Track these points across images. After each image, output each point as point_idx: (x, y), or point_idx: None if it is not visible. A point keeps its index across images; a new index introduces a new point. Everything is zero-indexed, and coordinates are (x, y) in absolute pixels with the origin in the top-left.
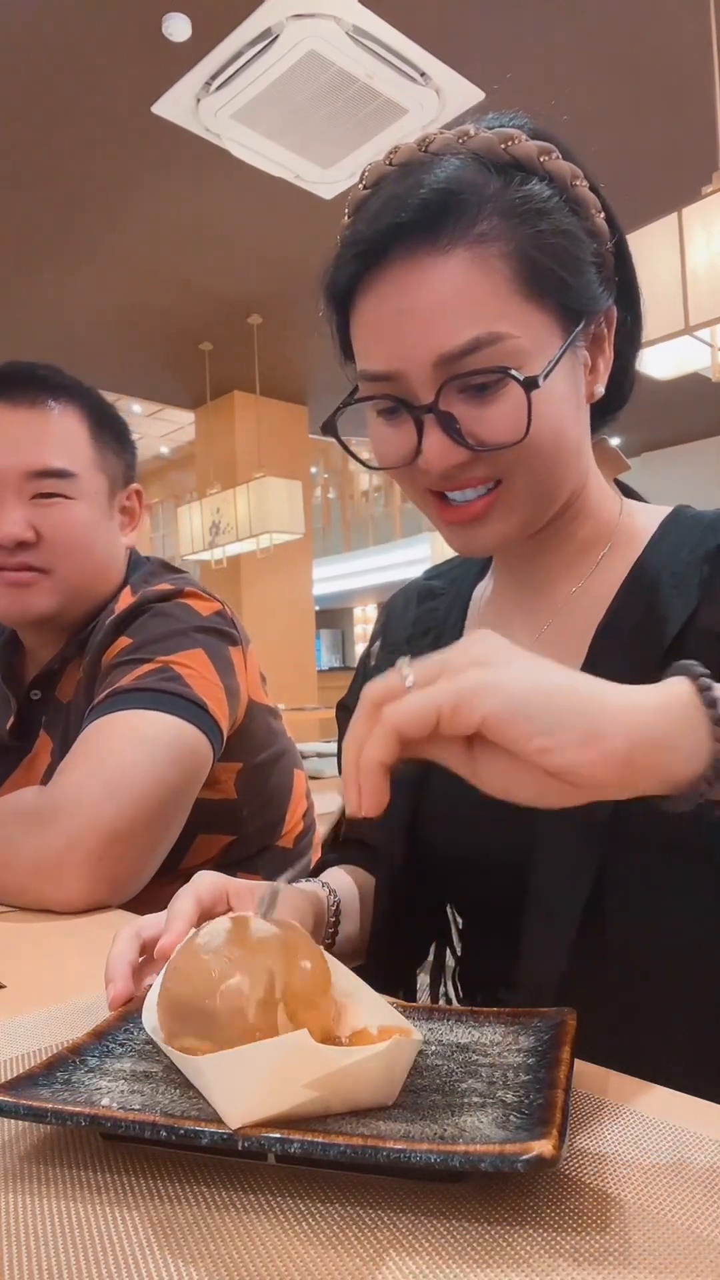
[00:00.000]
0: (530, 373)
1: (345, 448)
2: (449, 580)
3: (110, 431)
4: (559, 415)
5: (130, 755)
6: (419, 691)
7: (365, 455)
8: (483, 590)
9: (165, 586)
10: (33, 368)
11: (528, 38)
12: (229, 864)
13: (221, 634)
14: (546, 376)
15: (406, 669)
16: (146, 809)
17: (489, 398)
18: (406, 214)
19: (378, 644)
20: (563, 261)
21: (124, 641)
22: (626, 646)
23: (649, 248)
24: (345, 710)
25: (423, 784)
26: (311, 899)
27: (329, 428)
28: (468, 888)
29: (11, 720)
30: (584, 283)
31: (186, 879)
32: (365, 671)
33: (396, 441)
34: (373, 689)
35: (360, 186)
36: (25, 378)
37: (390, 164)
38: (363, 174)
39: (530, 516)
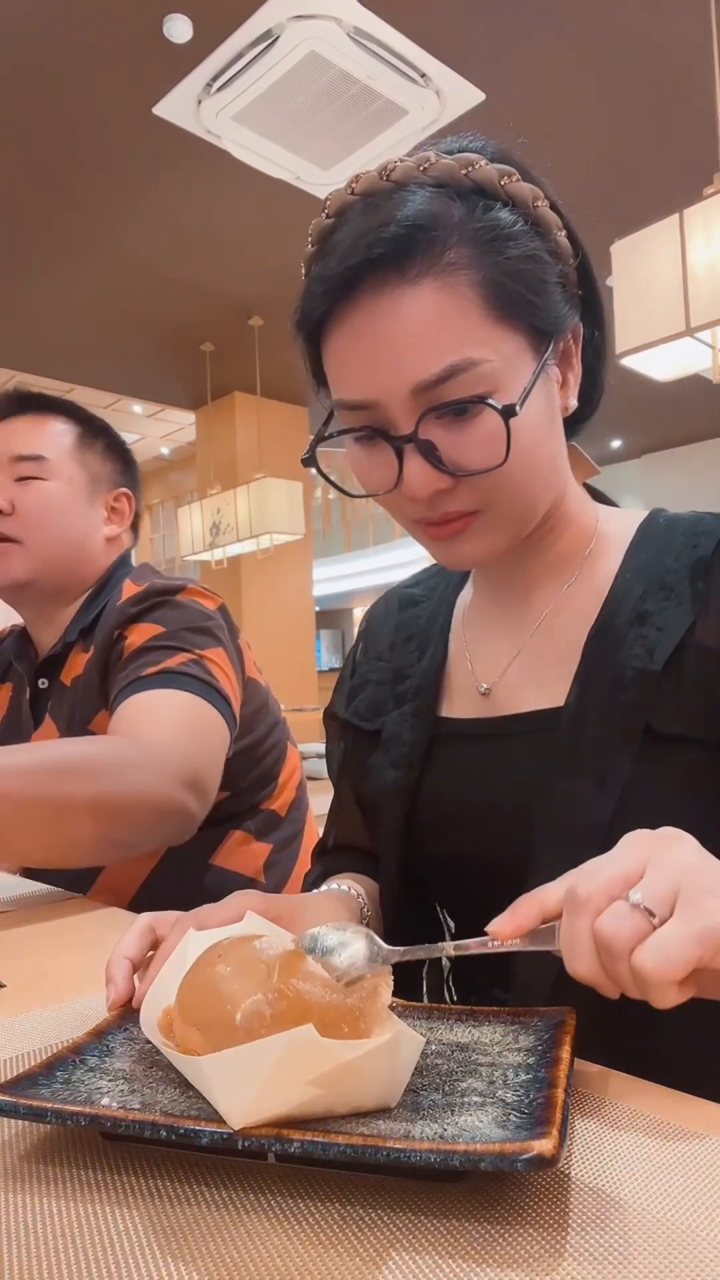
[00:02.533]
0: (506, 395)
1: (326, 478)
2: (429, 588)
3: (98, 440)
4: (535, 438)
5: (199, 730)
6: (676, 938)
7: (347, 484)
8: (465, 598)
9: (169, 582)
10: (36, 394)
11: (528, 39)
12: (222, 819)
13: (229, 630)
14: (523, 403)
15: (636, 894)
16: (212, 775)
17: (467, 422)
18: (377, 250)
19: (360, 649)
20: (529, 284)
21: (153, 629)
22: (619, 653)
23: (649, 248)
24: (332, 718)
25: (417, 790)
26: (350, 906)
27: (309, 461)
28: (464, 892)
29: (29, 694)
30: (551, 303)
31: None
32: (347, 677)
33: (377, 469)
34: (611, 929)
35: (323, 215)
36: (26, 398)
37: (353, 193)
38: (324, 202)
39: (513, 534)
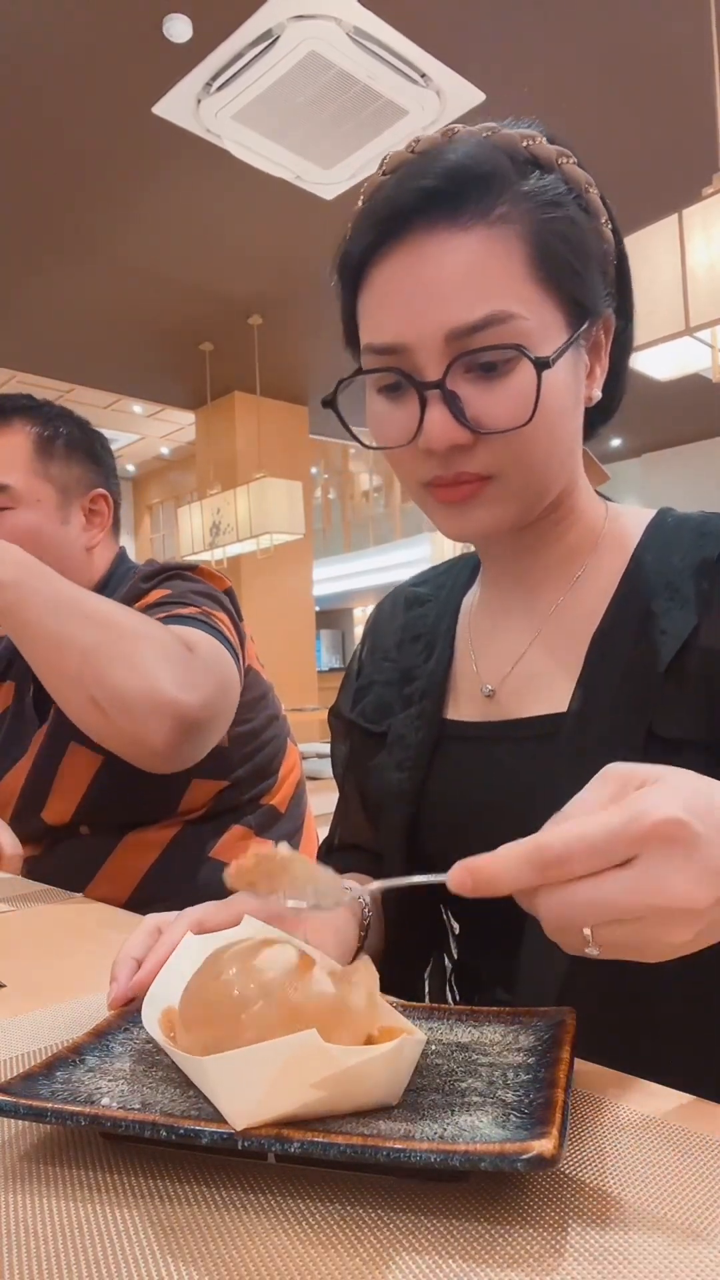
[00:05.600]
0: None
1: (344, 424)
2: (436, 587)
3: (57, 440)
4: (560, 408)
5: (215, 665)
6: (611, 884)
7: (365, 439)
8: (471, 599)
9: (181, 561)
10: None
11: (529, 39)
12: (223, 811)
13: (235, 610)
14: (556, 359)
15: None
16: (233, 695)
17: (496, 380)
18: (430, 180)
19: (366, 648)
20: (575, 253)
21: (161, 592)
22: (624, 656)
23: (649, 248)
24: (337, 717)
25: (421, 793)
26: (352, 906)
27: (330, 402)
28: (466, 900)
29: (32, 690)
30: (592, 280)
31: (183, 822)
32: (353, 676)
33: (397, 420)
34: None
35: (380, 173)
36: None
37: (412, 152)
38: (382, 161)
39: (523, 508)
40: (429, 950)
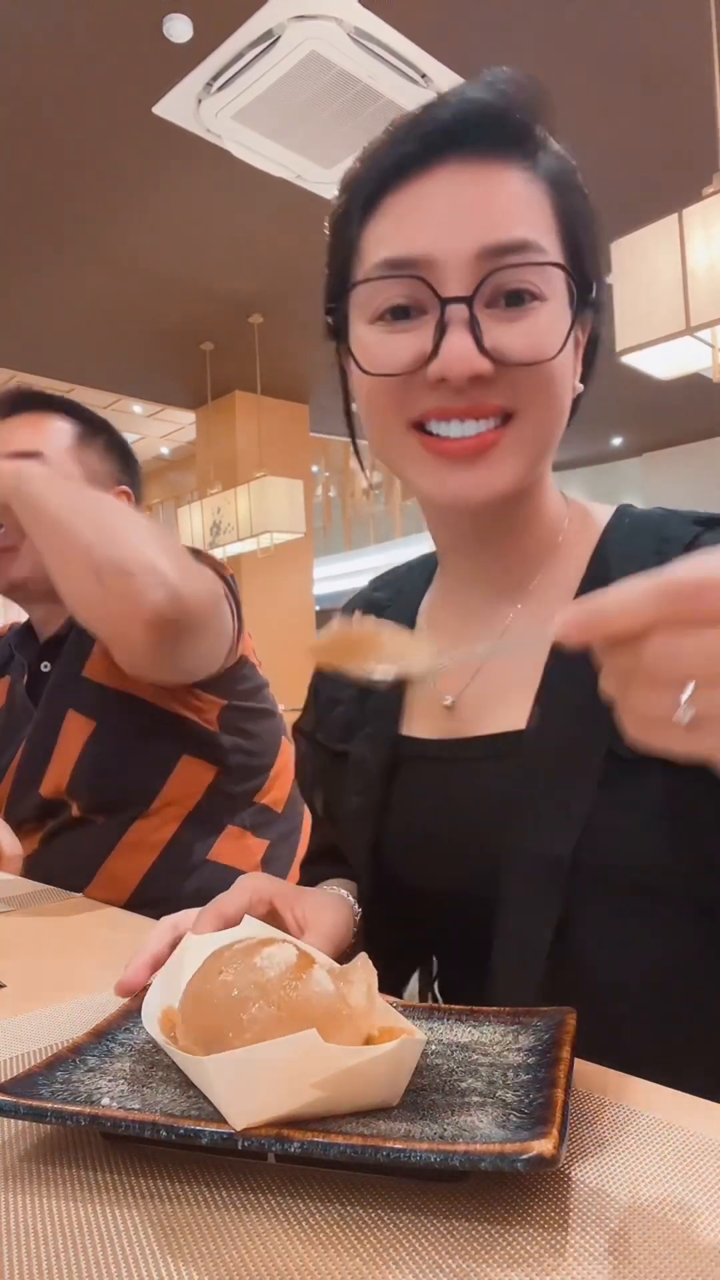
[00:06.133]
0: (555, 309)
1: (339, 352)
2: (394, 592)
3: (98, 438)
4: (568, 370)
5: (217, 590)
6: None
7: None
8: (429, 604)
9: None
10: (36, 392)
11: (529, 39)
12: (216, 807)
13: (236, 598)
14: (595, 293)
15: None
16: (222, 624)
17: (520, 314)
18: (493, 96)
19: None
20: (587, 230)
21: None
22: (582, 672)
23: (649, 248)
24: (303, 736)
25: (381, 815)
26: (345, 910)
27: (330, 325)
28: (437, 920)
29: (26, 679)
30: (594, 264)
31: (179, 820)
32: (316, 693)
33: (401, 345)
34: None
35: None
36: (25, 396)
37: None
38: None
39: (532, 461)
40: (409, 965)
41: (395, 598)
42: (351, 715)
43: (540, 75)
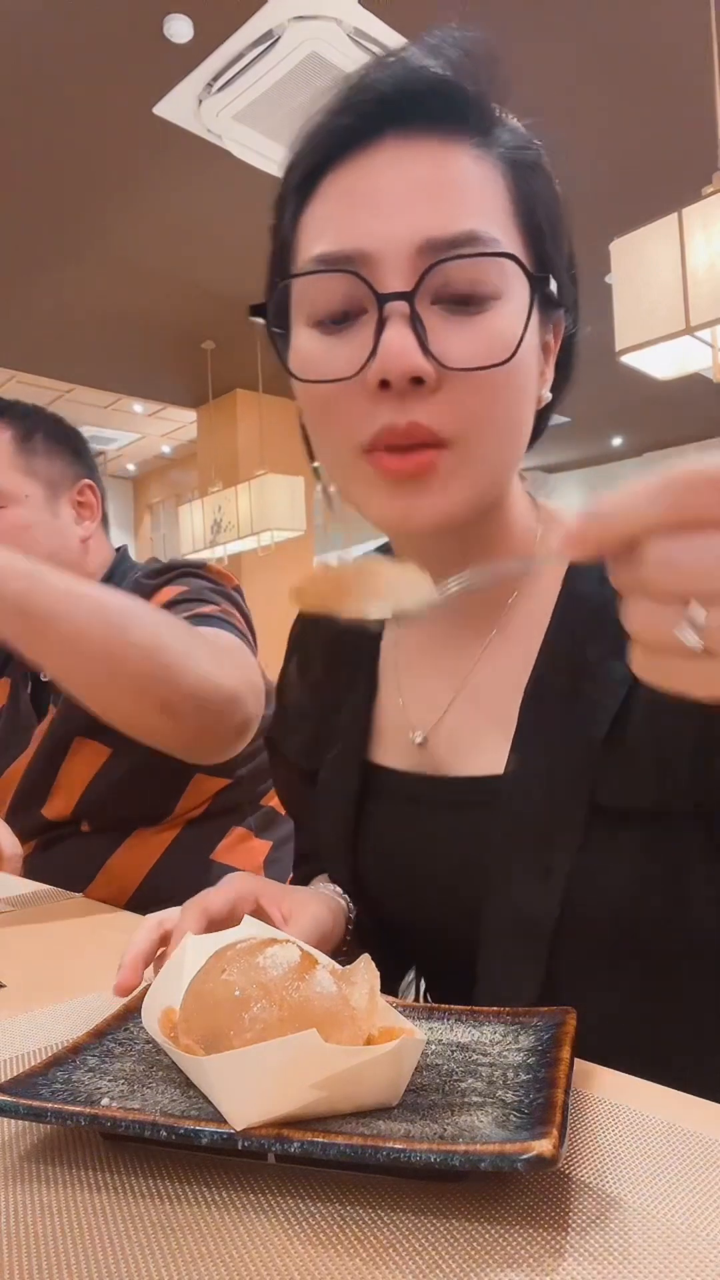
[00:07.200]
0: (511, 311)
1: (273, 343)
2: None
3: (35, 435)
4: (528, 377)
5: (243, 655)
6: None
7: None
8: (392, 638)
9: (188, 559)
10: None
11: (528, 39)
12: (222, 811)
13: (245, 610)
14: (562, 289)
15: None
16: (258, 693)
17: (469, 316)
18: (439, 64)
19: (294, 665)
20: (550, 219)
21: (176, 589)
22: (558, 717)
23: (649, 247)
24: (274, 747)
25: (356, 845)
26: (331, 904)
27: (262, 311)
28: (422, 948)
29: (30, 688)
30: (561, 256)
31: (184, 823)
32: (284, 700)
33: (340, 355)
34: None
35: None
36: None
37: (390, 58)
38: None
39: (478, 492)
40: (397, 972)
41: None
42: (319, 733)
43: (540, 74)
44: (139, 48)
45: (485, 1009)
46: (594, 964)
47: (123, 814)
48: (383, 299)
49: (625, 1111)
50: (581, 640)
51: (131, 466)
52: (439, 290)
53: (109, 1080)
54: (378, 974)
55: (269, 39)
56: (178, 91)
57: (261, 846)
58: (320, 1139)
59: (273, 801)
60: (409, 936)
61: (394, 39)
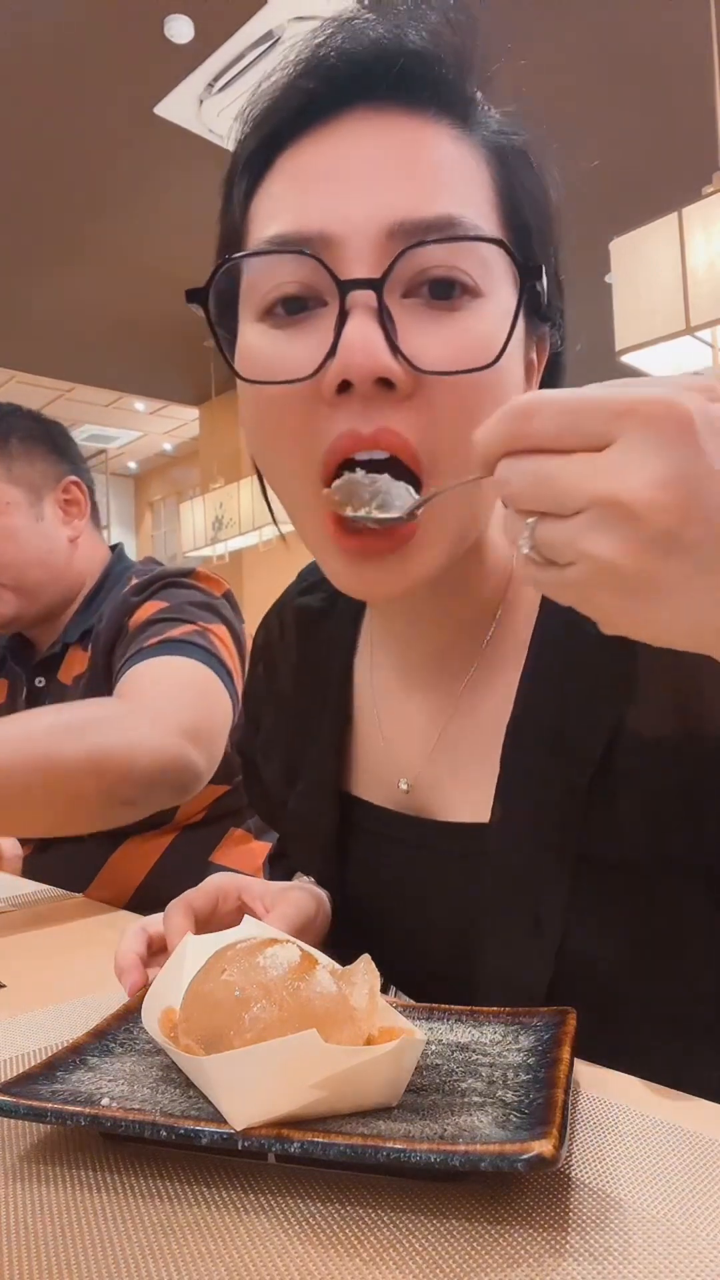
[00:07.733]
0: (491, 310)
1: (215, 335)
2: (327, 599)
3: (20, 442)
4: (513, 381)
5: (200, 688)
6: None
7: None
8: (368, 636)
9: (176, 568)
10: None
11: (528, 39)
12: (221, 815)
13: (234, 614)
14: (548, 295)
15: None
16: (215, 732)
17: (449, 310)
18: (420, 37)
19: (260, 672)
20: (536, 211)
21: (156, 604)
22: (540, 762)
23: (649, 247)
24: (243, 756)
25: (341, 876)
26: (313, 895)
27: (198, 295)
28: (413, 976)
29: (25, 693)
30: (546, 252)
31: (180, 826)
32: (251, 697)
33: (294, 352)
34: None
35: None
36: None
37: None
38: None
39: (458, 539)
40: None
41: (332, 607)
42: (293, 758)
43: (540, 74)
44: (139, 48)
45: (485, 1009)
46: (587, 1018)
47: (123, 823)
48: (345, 286)
49: (625, 1111)
50: (558, 677)
51: (133, 464)
52: (411, 281)
53: (109, 1080)
54: (378, 974)
55: (269, 39)
56: (178, 92)
57: (261, 848)
58: (320, 1139)
59: None
60: (396, 968)
61: None
